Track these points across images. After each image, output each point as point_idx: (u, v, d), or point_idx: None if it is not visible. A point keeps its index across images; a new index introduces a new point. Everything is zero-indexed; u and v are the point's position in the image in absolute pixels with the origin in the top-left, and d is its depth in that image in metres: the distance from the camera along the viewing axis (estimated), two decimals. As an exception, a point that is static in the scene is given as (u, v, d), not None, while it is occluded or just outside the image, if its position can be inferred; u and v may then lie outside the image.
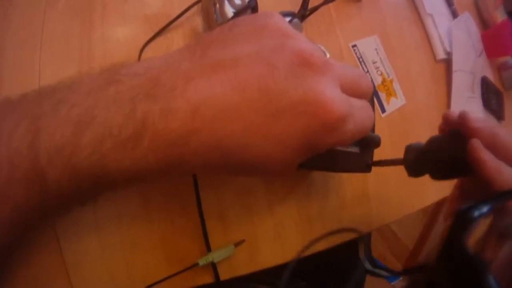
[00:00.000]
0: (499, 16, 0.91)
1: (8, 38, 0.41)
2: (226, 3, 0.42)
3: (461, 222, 0.42)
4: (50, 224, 0.37)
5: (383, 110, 0.56)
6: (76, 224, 0.38)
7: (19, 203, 0.21)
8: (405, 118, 0.58)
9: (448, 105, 0.67)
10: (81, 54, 0.43)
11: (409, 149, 0.36)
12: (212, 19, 0.43)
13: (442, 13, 0.75)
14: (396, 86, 0.58)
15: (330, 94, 0.23)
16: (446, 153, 0.33)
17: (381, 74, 0.57)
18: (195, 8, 0.47)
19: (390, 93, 0.57)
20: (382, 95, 0.56)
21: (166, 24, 0.45)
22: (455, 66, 0.69)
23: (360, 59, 0.56)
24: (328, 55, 0.28)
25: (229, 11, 0.41)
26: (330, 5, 0.57)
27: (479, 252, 0.40)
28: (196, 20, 0.48)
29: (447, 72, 0.70)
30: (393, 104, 0.57)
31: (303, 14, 0.47)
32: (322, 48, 0.33)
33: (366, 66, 0.56)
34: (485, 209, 0.43)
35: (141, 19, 0.46)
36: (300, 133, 0.23)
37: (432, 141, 0.35)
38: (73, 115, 0.21)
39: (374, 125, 0.40)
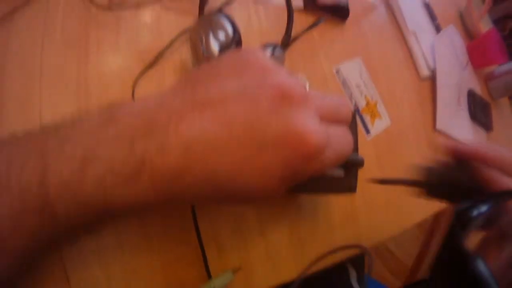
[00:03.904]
0: (484, 26, 0.93)
1: (8, 70, 0.42)
2: (212, 37, 0.43)
3: (460, 221, 0.43)
4: (58, 254, 0.39)
5: (368, 132, 0.57)
6: (81, 253, 0.40)
7: (31, 234, 0.23)
8: (391, 138, 0.59)
9: (434, 121, 0.68)
10: (78, 85, 0.44)
11: (430, 173, 0.38)
12: (199, 52, 0.44)
13: (425, 29, 0.76)
14: (381, 107, 0.60)
15: (308, 126, 0.25)
16: (467, 181, 0.36)
17: (365, 97, 0.58)
18: (183, 41, 0.48)
19: (375, 115, 0.58)
20: (367, 118, 0.57)
21: (155, 58, 0.47)
22: (439, 81, 0.70)
23: (344, 84, 0.57)
24: (307, 85, 0.30)
25: (215, 44, 0.43)
26: (313, 29, 0.58)
27: (478, 251, 0.41)
28: (184, 52, 0.49)
29: (432, 88, 0.71)
30: (378, 126, 0.58)
31: (286, 42, 0.49)
32: (303, 78, 0.34)
33: (350, 90, 0.57)
34: (483, 208, 0.45)
35: (133, 52, 0.47)
36: (282, 164, 0.25)
37: (451, 167, 0.37)
38: (78, 153, 0.22)
39: (357, 146, 0.41)
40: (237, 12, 0.55)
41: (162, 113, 0.24)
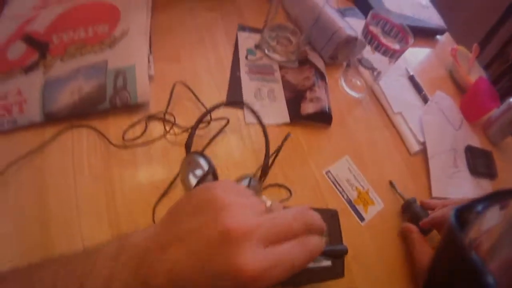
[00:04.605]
0: (473, 77, 0.98)
1: (48, 198, 0.52)
2: (190, 175, 0.53)
3: (459, 221, 0.48)
4: None
5: (362, 219, 0.63)
6: None
7: None
8: (385, 220, 0.65)
9: (430, 192, 0.73)
10: (109, 212, 0.53)
11: (409, 202, 0.65)
12: (185, 185, 0.54)
13: (412, 104, 0.82)
14: (373, 194, 0.66)
15: (245, 260, 0.32)
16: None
17: (356, 188, 0.65)
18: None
19: (367, 203, 0.65)
20: (360, 207, 0.64)
21: (167, 187, 0.56)
22: (430, 152, 0.76)
23: (335, 182, 0.64)
24: (270, 204, 0.37)
25: (193, 181, 0.53)
26: (301, 138, 0.66)
27: (477, 250, 0.46)
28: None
29: (425, 160, 0.76)
30: (371, 211, 0.65)
31: (264, 173, 0.55)
32: (264, 198, 0.40)
33: (340, 187, 0.64)
34: (480, 207, 0.50)
35: (150, 182, 0.57)
36: None
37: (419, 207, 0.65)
38: (103, 274, 0.34)
39: (341, 238, 0.54)
40: (231, 134, 0.64)
41: (151, 244, 0.35)
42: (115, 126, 0.61)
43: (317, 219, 0.38)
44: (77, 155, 0.58)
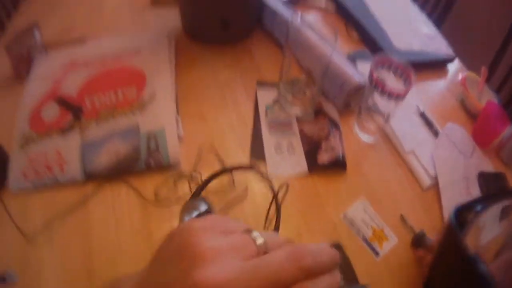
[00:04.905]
0: (483, 103, 1.00)
1: (95, 248, 0.61)
2: (187, 216, 0.57)
3: (458, 221, 0.51)
4: None
5: (377, 254, 0.69)
6: None
7: None
8: (400, 253, 0.70)
9: (443, 223, 0.77)
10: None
11: (419, 236, 0.68)
12: None
13: (424, 140, 0.87)
14: (387, 231, 0.72)
15: None
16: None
17: (371, 227, 0.71)
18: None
19: (382, 239, 0.70)
20: (375, 244, 0.70)
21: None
22: (442, 184, 0.80)
23: (351, 223, 0.71)
24: (262, 241, 0.30)
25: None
26: (318, 185, 0.73)
27: (477, 250, 0.48)
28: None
29: (437, 194, 0.80)
30: (386, 247, 0.70)
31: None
32: (255, 235, 0.33)
33: (357, 226, 0.71)
34: (479, 207, 0.52)
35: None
36: None
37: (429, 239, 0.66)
38: None
39: (354, 271, 0.59)
40: (255, 186, 0.71)
41: None
42: (150, 184, 0.69)
43: (321, 254, 0.30)
44: (118, 211, 0.66)
